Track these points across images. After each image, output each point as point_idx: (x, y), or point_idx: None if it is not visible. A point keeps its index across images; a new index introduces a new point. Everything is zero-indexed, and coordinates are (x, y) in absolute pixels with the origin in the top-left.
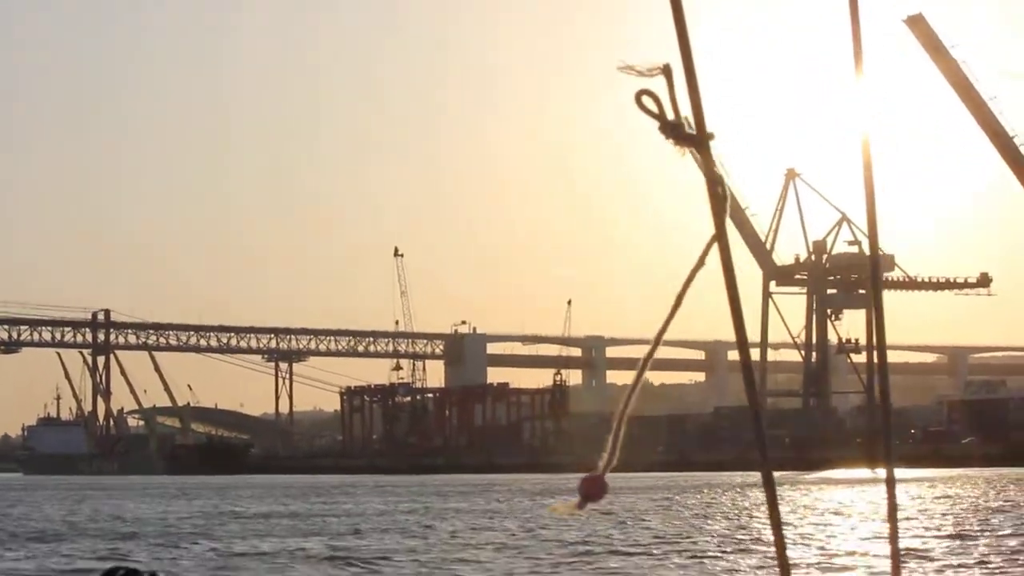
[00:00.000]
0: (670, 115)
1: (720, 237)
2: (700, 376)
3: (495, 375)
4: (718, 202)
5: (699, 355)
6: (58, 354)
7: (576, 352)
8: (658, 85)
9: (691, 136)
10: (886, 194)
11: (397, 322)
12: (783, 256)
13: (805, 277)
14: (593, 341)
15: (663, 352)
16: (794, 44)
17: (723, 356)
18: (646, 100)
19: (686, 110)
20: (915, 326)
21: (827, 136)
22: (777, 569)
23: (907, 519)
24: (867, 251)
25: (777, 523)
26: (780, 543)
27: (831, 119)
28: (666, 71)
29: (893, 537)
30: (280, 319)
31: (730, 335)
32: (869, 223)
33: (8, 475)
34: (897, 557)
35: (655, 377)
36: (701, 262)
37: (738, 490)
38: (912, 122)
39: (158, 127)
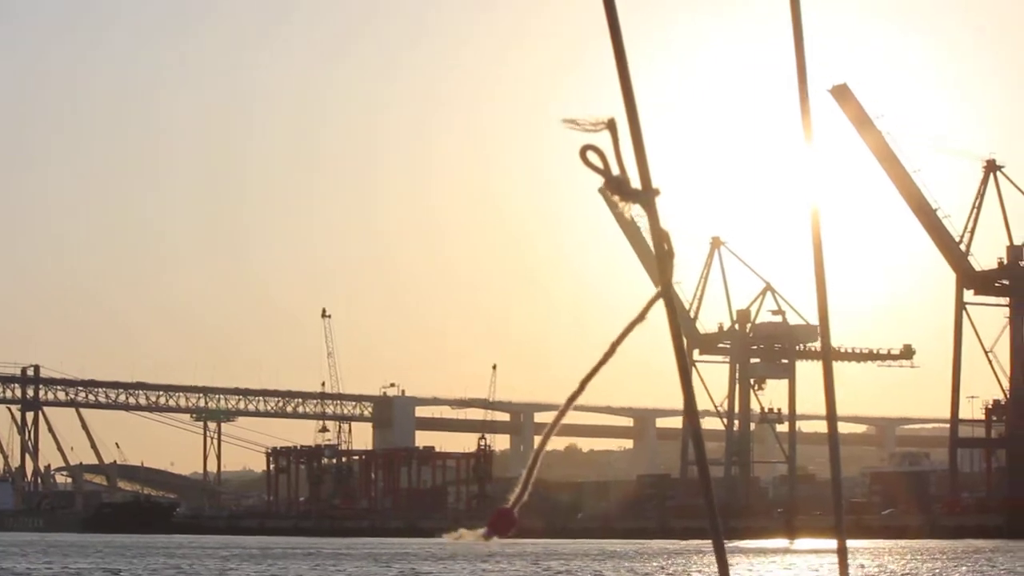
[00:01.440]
0: (615, 170)
1: (666, 294)
2: (629, 443)
3: (423, 439)
4: (664, 259)
5: (628, 422)
6: None
7: (503, 416)
8: (602, 140)
9: (636, 192)
10: (809, 265)
11: (323, 383)
12: (707, 324)
13: (728, 346)
14: (521, 407)
15: (592, 419)
16: (720, 111)
17: (651, 423)
18: (591, 155)
19: (630, 165)
20: (843, 397)
21: (753, 205)
22: None
23: None
24: (790, 321)
25: None
26: None
27: (758, 187)
28: (611, 126)
29: None
30: (208, 379)
31: (659, 403)
32: (819, 291)
33: None
34: None
35: (584, 443)
36: (642, 316)
37: (647, 559)
38: (836, 192)
39: (90, 183)
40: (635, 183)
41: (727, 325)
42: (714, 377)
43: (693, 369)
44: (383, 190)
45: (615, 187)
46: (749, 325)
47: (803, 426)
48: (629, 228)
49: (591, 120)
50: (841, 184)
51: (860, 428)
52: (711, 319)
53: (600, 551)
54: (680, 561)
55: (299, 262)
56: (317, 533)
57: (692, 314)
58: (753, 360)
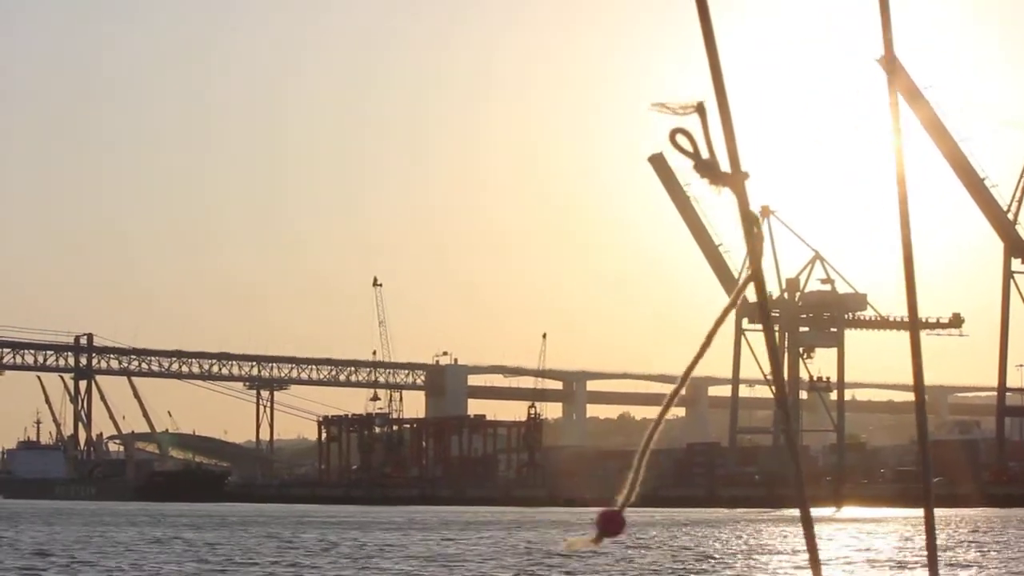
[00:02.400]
0: (704, 153)
1: (756, 276)
2: (682, 412)
3: (475, 407)
4: (754, 241)
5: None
6: (39, 378)
7: (555, 385)
8: (691, 123)
9: (726, 175)
10: (860, 234)
11: (375, 352)
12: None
13: (777, 315)
14: (574, 375)
15: (644, 387)
16: (766, 81)
17: (704, 392)
18: (680, 139)
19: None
20: (895, 365)
21: (803, 174)
22: None
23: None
24: (838, 290)
25: (816, 562)
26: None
27: (808, 157)
28: (700, 109)
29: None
30: (261, 347)
31: (711, 371)
32: (906, 264)
33: None
34: None
35: (637, 412)
36: (734, 302)
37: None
38: (884, 161)
39: (146, 155)
40: (724, 166)
41: (776, 294)
42: (763, 346)
43: (743, 338)
44: (433, 159)
45: (704, 170)
46: (798, 294)
47: (857, 394)
48: (680, 200)
49: (680, 104)
50: (888, 154)
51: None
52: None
53: (647, 520)
54: (727, 530)
55: (351, 231)
56: (367, 501)
57: (741, 283)
58: (802, 329)
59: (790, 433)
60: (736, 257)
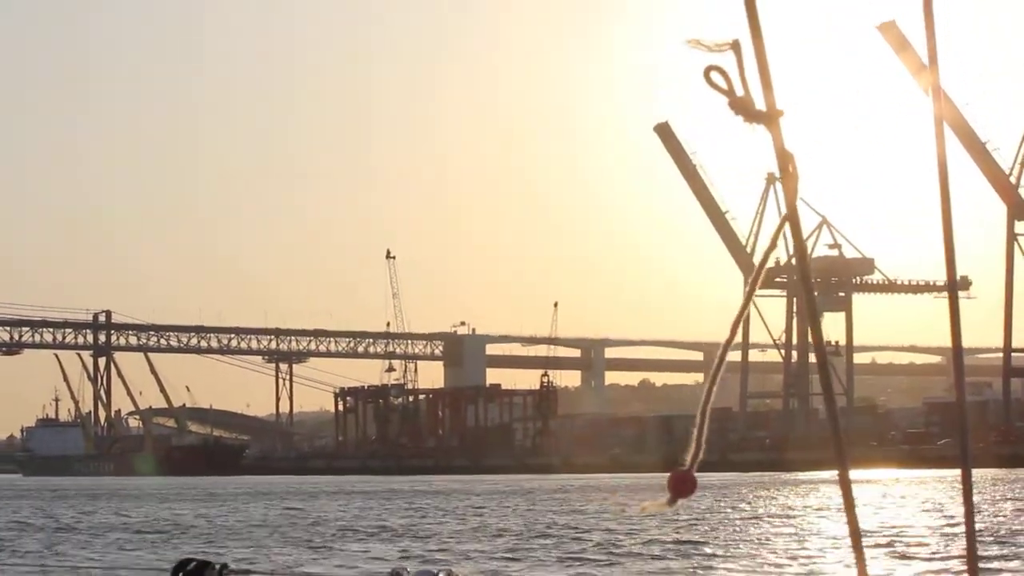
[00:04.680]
0: (739, 91)
1: (792, 217)
2: (701, 377)
3: (494, 376)
4: (789, 181)
5: (698, 356)
6: (56, 355)
7: (574, 352)
8: (726, 61)
9: (760, 113)
10: (866, 198)
11: (388, 324)
12: None
13: (785, 280)
14: (592, 343)
15: (662, 353)
16: (771, 44)
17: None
18: (715, 76)
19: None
20: (908, 328)
21: (808, 139)
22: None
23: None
24: (846, 254)
25: (855, 526)
26: (858, 545)
27: (814, 122)
28: (735, 47)
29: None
30: (277, 321)
31: (726, 336)
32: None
33: (7, 476)
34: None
35: (657, 378)
36: (773, 244)
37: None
38: (887, 124)
39: (160, 129)
40: (759, 104)
41: (784, 259)
42: (772, 311)
43: (751, 303)
44: (445, 128)
45: (739, 108)
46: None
47: (878, 357)
48: (687, 169)
49: (715, 41)
50: (891, 116)
51: (934, 359)
52: None
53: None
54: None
55: (365, 204)
56: (383, 472)
57: (748, 249)
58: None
59: (830, 400)
60: (743, 224)
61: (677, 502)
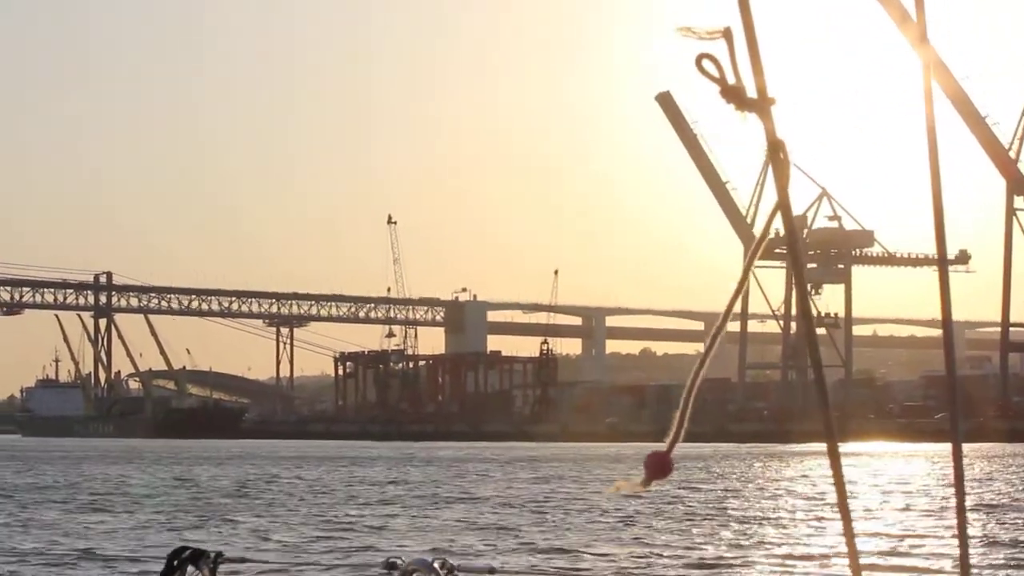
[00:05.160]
0: (731, 79)
1: (783, 205)
2: (701, 347)
3: (495, 343)
4: (780, 168)
5: (699, 325)
6: (56, 316)
7: (575, 320)
8: (717, 49)
9: (752, 100)
10: (866, 170)
11: (389, 289)
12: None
13: (784, 252)
14: (593, 311)
15: (663, 323)
16: (764, 14)
17: (721, 326)
18: (706, 64)
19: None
20: (909, 302)
21: (808, 110)
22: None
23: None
24: (845, 226)
25: (843, 498)
26: (847, 518)
27: (812, 92)
28: (726, 34)
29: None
30: (279, 285)
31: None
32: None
33: (7, 437)
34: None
35: (659, 347)
36: (766, 232)
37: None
38: (887, 98)
39: (159, 92)
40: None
41: (783, 231)
42: (771, 282)
43: (750, 274)
44: (444, 94)
45: (731, 96)
46: (805, 231)
47: (879, 330)
48: (688, 138)
49: (707, 28)
50: (890, 91)
51: (935, 332)
52: None
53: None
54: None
55: (366, 168)
56: (383, 437)
57: (748, 220)
58: (810, 265)
59: (819, 372)
60: (743, 194)
61: (651, 483)
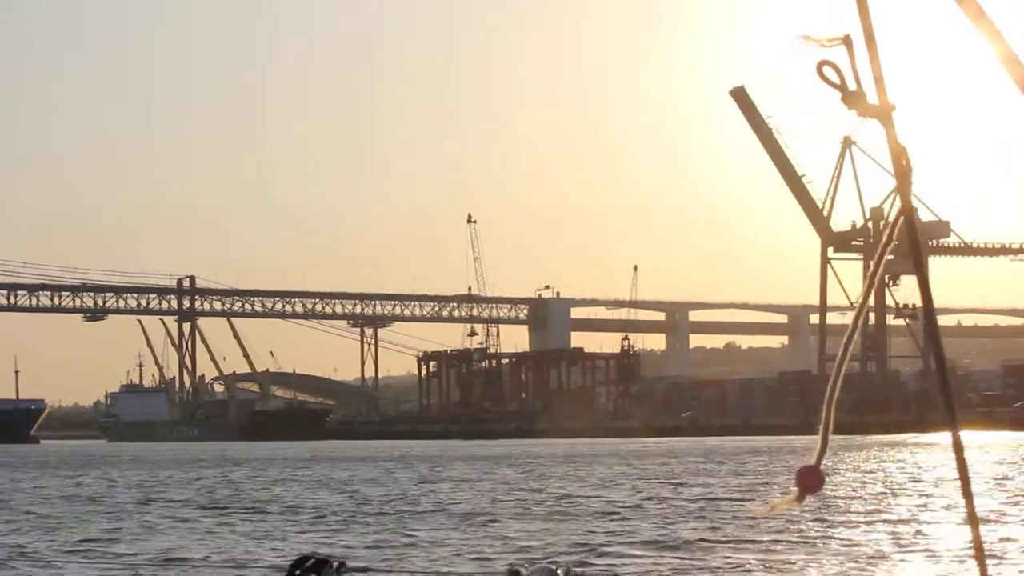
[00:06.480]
0: (852, 85)
1: (907, 209)
2: (786, 339)
3: (579, 340)
4: (903, 174)
5: (782, 319)
6: (139, 321)
7: (657, 316)
8: (838, 55)
9: (873, 107)
10: (943, 161)
11: (469, 288)
12: (840, 223)
13: (862, 243)
14: (677, 306)
15: (747, 316)
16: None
17: (805, 320)
18: (827, 70)
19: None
20: (991, 291)
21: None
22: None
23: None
24: (922, 217)
25: (967, 488)
26: (971, 510)
27: (891, 86)
28: (846, 40)
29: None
30: (361, 286)
31: (812, 299)
32: None
33: (92, 442)
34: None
35: (743, 341)
36: (891, 238)
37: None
38: (959, 86)
39: (238, 96)
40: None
41: (860, 223)
42: (849, 274)
43: (829, 266)
44: (525, 93)
45: (852, 102)
46: (882, 222)
47: (963, 319)
48: (763, 133)
49: (827, 36)
50: (956, 77)
51: (1019, 321)
52: (844, 217)
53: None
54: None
55: (447, 168)
56: (466, 436)
57: (825, 212)
58: (887, 257)
59: (942, 363)
60: (819, 188)
61: (806, 498)
